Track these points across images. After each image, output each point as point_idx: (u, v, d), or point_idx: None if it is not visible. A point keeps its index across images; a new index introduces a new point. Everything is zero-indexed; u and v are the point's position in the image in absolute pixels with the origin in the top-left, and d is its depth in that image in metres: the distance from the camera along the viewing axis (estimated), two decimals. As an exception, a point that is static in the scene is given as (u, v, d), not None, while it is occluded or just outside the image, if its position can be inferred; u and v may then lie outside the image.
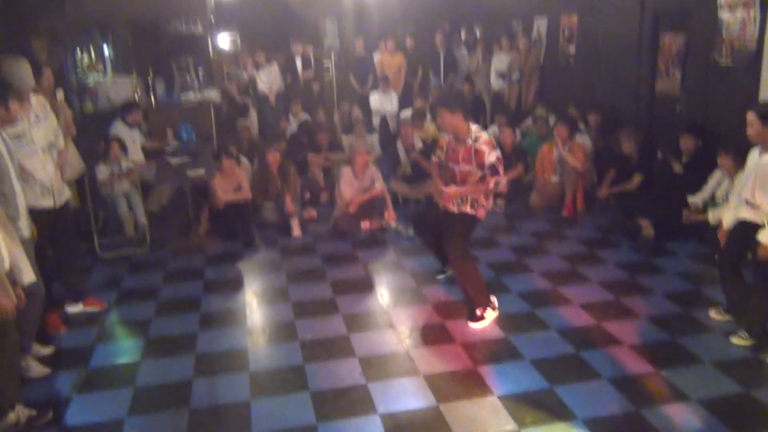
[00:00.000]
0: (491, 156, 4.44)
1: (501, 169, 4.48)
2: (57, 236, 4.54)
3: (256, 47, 10.64)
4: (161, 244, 6.36)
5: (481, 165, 4.44)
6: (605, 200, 6.85)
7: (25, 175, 4.07)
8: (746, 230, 4.00)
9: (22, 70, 4.07)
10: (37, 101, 4.31)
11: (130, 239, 6.41)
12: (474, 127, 4.56)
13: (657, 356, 4.04)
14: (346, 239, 6.49)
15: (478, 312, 4.55)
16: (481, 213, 4.65)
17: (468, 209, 4.60)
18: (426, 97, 9.93)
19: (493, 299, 4.67)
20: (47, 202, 4.32)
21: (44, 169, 4.25)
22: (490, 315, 4.58)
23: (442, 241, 4.75)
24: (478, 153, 4.44)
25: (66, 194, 4.59)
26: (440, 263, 5.40)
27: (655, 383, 3.77)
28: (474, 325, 4.52)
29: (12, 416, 3.43)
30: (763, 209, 3.88)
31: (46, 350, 4.26)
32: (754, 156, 4.02)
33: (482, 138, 4.49)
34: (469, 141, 4.49)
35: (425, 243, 5.31)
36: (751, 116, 3.89)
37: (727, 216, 4.27)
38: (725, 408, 3.50)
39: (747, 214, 4.03)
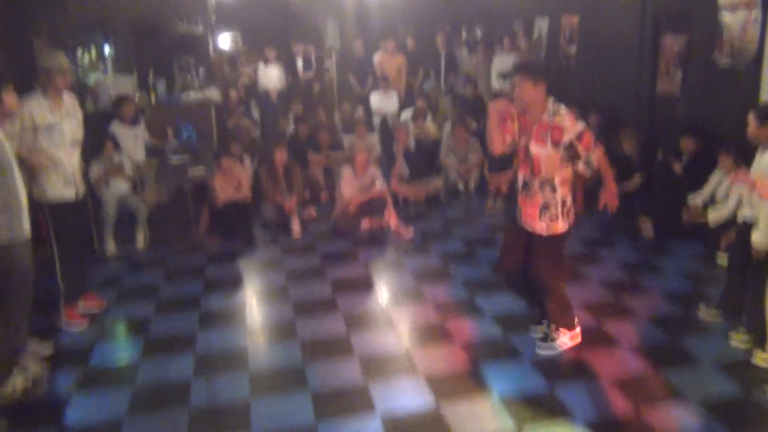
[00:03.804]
0: (571, 131, 3.65)
1: (586, 145, 3.67)
2: (74, 228, 4.66)
3: (262, 46, 10.62)
4: (161, 243, 6.36)
5: (557, 144, 3.67)
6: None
7: (52, 165, 4.35)
8: (750, 231, 4.03)
9: (58, 62, 4.35)
10: (69, 98, 4.57)
11: (130, 238, 6.40)
12: (552, 101, 3.81)
13: (656, 356, 4.04)
14: (346, 238, 6.49)
15: (553, 333, 4.10)
16: (557, 226, 3.84)
17: (544, 224, 3.84)
18: (426, 97, 9.93)
19: (577, 330, 4.13)
20: (70, 193, 4.55)
21: (69, 161, 4.50)
22: (564, 340, 4.09)
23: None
24: (555, 129, 3.68)
25: (84, 189, 4.77)
26: (534, 311, 4.38)
27: (655, 383, 3.77)
28: (541, 350, 4.09)
29: (10, 385, 3.40)
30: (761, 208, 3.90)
31: (46, 351, 4.25)
32: (759, 157, 4.07)
33: (562, 110, 3.75)
34: (546, 117, 3.74)
35: (517, 291, 4.38)
36: (750, 116, 3.98)
37: (718, 212, 4.30)
38: (724, 408, 3.50)
39: (747, 212, 4.08)
